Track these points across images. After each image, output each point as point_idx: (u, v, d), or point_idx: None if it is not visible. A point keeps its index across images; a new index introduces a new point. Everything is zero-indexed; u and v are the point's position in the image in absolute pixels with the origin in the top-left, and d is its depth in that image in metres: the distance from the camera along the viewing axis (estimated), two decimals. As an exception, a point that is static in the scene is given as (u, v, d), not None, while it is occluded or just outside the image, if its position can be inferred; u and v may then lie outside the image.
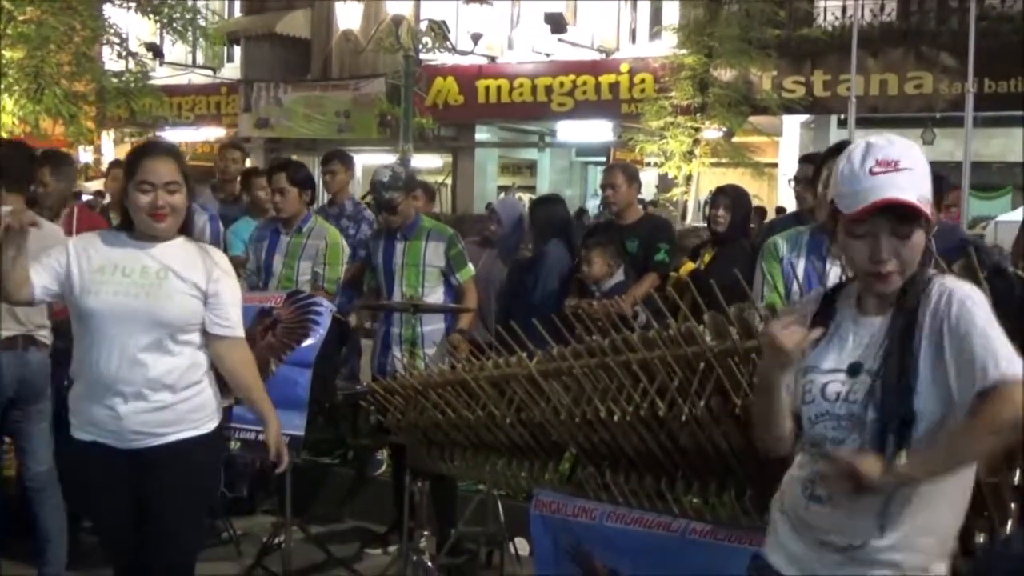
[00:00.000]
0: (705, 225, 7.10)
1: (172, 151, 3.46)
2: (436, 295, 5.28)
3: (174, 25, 14.25)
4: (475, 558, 5.21)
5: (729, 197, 6.15)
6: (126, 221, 3.37)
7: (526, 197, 16.23)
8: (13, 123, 12.47)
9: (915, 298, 2.20)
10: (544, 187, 20.52)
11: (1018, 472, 2.85)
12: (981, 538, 2.85)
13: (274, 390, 4.66)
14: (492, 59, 18.71)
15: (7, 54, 12.26)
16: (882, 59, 15.46)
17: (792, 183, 6.08)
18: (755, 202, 9.45)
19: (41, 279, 3.26)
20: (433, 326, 5.24)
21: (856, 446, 2.17)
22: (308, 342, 4.86)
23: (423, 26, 17.37)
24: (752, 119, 15.66)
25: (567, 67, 18.00)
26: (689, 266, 6.34)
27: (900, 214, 2.15)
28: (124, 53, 14.09)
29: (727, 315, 2.97)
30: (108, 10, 13.95)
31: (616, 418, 3.22)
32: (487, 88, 18.86)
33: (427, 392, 4.04)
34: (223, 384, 3.57)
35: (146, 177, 3.26)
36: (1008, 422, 2.01)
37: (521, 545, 4.94)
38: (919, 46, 15.32)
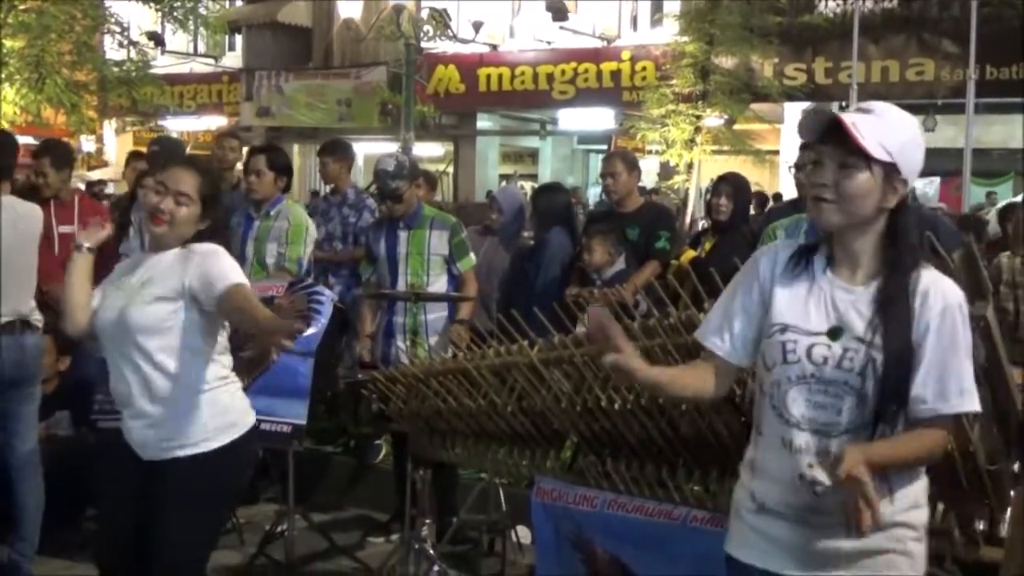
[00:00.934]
0: (705, 213, 7.09)
1: (205, 171, 3.38)
2: (440, 284, 5.27)
3: (175, 14, 14.21)
4: (477, 546, 5.22)
5: (731, 186, 6.15)
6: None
7: (528, 185, 16.29)
8: (15, 112, 12.47)
9: (903, 278, 2.22)
10: (546, 175, 20.52)
11: (1017, 463, 2.86)
12: (981, 524, 2.86)
13: (275, 379, 4.69)
14: (493, 47, 18.67)
15: (8, 43, 12.24)
16: (884, 46, 15.43)
17: (793, 170, 6.07)
18: (755, 189, 9.45)
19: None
20: (436, 314, 5.24)
21: (837, 416, 2.22)
22: (310, 331, 4.85)
23: (424, 14, 17.35)
24: (753, 106, 15.64)
25: (568, 55, 17.97)
26: (690, 254, 6.33)
27: (846, 147, 2.19)
28: (125, 42, 14.09)
29: (728, 303, 2.97)
30: (109, 0, 13.94)
31: (617, 406, 3.23)
32: (488, 76, 18.83)
33: (429, 380, 4.04)
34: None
35: (164, 179, 3.24)
36: (940, 451, 2.27)
37: (523, 533, 4.95)
38: (921, 33, 15.31)
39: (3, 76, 12.07)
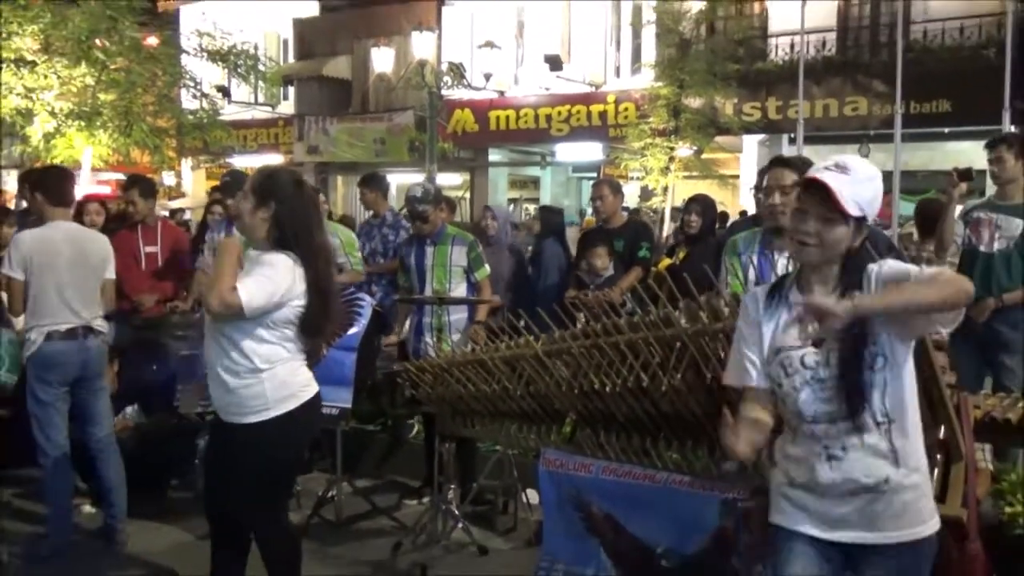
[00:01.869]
0: (679, 228, 7.06)
1: (253, 176, 3.37)
2: (460, 290, 5.26)
3: (239, 70, 14.30)
4: (493, 506, 5.21)
5: (700, 205, 6.14)
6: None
7: (531, 207, 16.24)
8: (108, 153, 12.53)
9: (855, 283, 2.23)
10: (546, 199, 20.42)
11: (942, 428, 2.82)
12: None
13: (325, 370, 4.66)
14: (501, 93, 18.64)
15: (102, 96, 12.30)
16: (824, 87, 15.37)
17: (753, 191, 6.06)
18: (720, 207, 9.41)
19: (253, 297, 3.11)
20: (458, 315, 5.23)
21: (842, 404, 2.21)
22: (352, 330, 4.85)
23: (444, 67, 17.37)
24: (717, 139, 15.58)
25: (563, 99, 17.94)
26: (667, 261, 6.32)
27: (827, 202, 2.19)
28: (198, 94, 14.14)
29: (699, 302, 2.97)
30: (184, 59, 13.99)
31: (608, 389, 3.21)
32: (497, 117, 18.81)
33: (452, 370, 4.02)
34: None
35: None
36: (963, 285, 2.09)
37: (532, 495, 4.94)
38: (855, 75, 15.25)
39: (98, 124, 12.14)
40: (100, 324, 4.59)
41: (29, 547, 4.59)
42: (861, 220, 2.23)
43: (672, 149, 15.00)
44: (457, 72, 17.18)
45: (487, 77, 17.19)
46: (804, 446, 2.31)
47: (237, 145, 18.75)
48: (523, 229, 12.31)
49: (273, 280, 3.15)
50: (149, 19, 13.37)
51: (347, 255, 5.78)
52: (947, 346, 2.80)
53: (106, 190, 15.28)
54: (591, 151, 18.62)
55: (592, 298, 5.11)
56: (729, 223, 11.26)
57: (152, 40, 13.66)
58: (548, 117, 18.26)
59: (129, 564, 4.51)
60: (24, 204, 6.66)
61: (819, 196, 2.20)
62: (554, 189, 21.24)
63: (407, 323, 5.47)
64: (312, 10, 21.96)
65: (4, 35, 11.76)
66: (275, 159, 21.47)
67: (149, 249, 5.91)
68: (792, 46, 15.24)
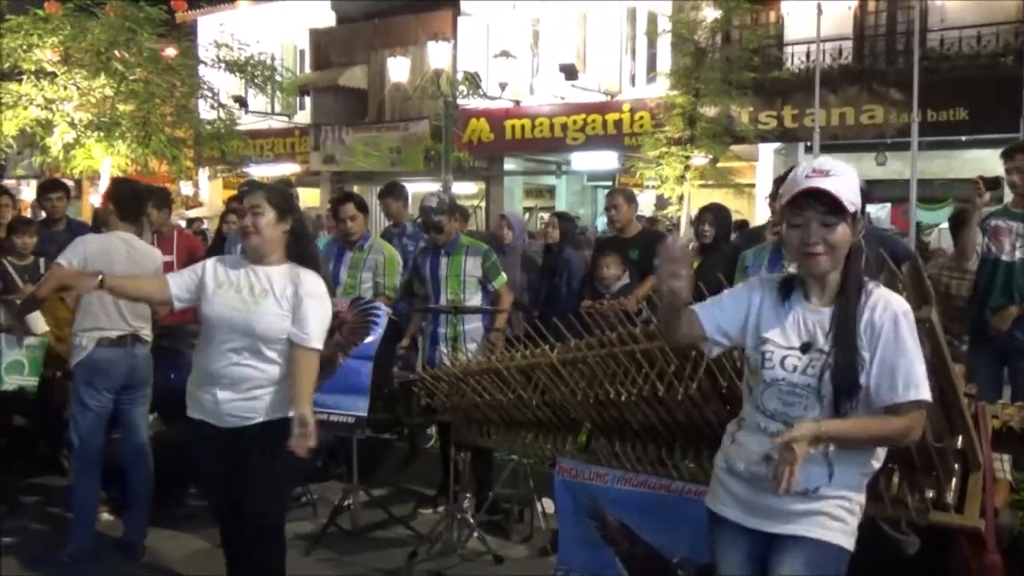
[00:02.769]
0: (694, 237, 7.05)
1: (269, 187, 3.51)
2: (475, 300, 5.25)
3: (256, 81, 14.41)
4: (509, 515, 5.20)
5: (713, 214, 6.13)
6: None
7: (546, 216, 16.26)
8: (127, 163, 12.65)
9: (855, 296, 2.30)
10: (561, 208, 20.45)
11: (960, 438, 2.82)
12: (930, 493, 2.82)
13: (342, 379, 4.69)
14: (517, 103, 18.69)
15: (121, 107, 12.43)
16: (841, 95, 15.32)
17: (768, 200, 6.04)
18: (736, 216, 9.39)
19: (178, 289, 3.38)
20: (473, 325, 5.23)
21: (804, 411, 2.29)
22: (369, 339, 4.86)
23: (459, 77, 17.43)
24: (733, 148, 15.54)
25: (579, 108, 17.96)
26: (682, 271, 6.29)
27: (826, 207, 2.25)
28: (216, 105, 14.24)
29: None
30: (202, 70, 14.11)
31: (623, 398, 3.21)
32: (513, 126, 18.84)
33: (467, 379, 4.03)
34: None
35: (240, 207, 3.42)
36: (901, 434, 2.27)
37: (547, 504, 4.92)
38: (872, 84, 15.19)
39: (117, 134, 12.26)
40: (147, 334, 4.64)
41: (50, 553, 4.62)
42: (856, 215, 2.29)
43: (687, 158, 14.99)
44: (473, 82, 17.25)
45: (502, 87, 17.25)
46: (753, 438, 2.39)
47: (254, 155, 18.87)
48: (538, 237, 12.32)
49: (328, 310, 3.43)
50: (167, 31, 13.50)
51: (384, 275, 5.51)
52: (964, 357, 2.81)
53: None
54: (606, 160, 18.62)
55: (608, 307, 5.11)
56: (742, 232, 11.23)
57: (170, 51, 13.80)
58: (563, 126, 18.28)
59: (148, 571, 4.53)
60: (43, 215, 6.73)
61: (816, 204, 2.26)
62: (569, 198, 21.26)
63: (418, 332, 5.49)
64: (328, 21, 22.09)
65: (25, 47, 11.91)
66: (292, 169, 21.61)
67: (165, 258, 5.95)
68: (808, 54, 15.23)
